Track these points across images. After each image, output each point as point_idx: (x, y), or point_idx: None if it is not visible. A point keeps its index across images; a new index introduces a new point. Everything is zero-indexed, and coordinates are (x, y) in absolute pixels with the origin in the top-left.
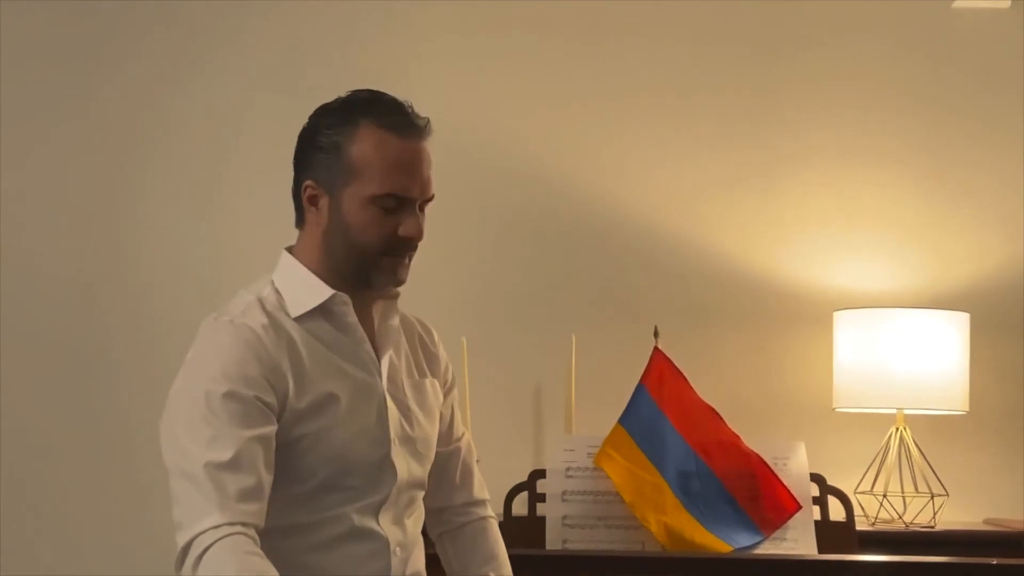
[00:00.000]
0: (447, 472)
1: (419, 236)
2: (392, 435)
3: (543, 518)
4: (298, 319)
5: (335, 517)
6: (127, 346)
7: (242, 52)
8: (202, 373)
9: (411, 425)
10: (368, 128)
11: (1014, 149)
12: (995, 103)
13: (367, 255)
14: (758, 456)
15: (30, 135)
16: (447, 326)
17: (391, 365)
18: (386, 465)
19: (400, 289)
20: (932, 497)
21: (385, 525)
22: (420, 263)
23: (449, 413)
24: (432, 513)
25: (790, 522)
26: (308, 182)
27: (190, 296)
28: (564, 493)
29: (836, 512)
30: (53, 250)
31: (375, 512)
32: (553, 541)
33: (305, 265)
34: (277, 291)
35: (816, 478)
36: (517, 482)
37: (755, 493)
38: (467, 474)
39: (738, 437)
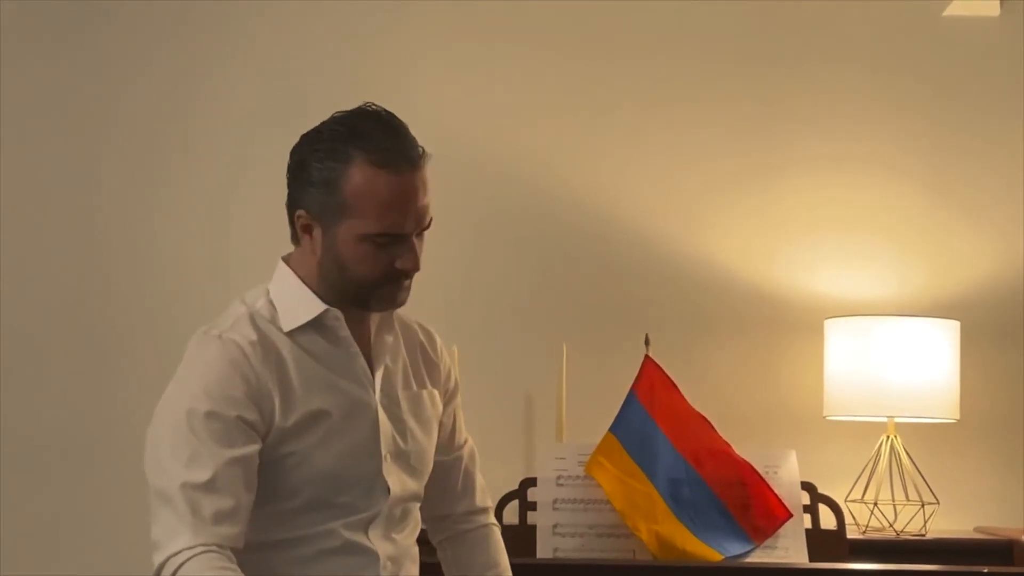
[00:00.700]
0: (449, 480)
1: (415, 268)
2: (384, 451)
3: (534, 526)
4: (290, 333)
5: (324, 532)
6: (135, 348)
7: (256, 58)
8: (186, 390)
9: (405, 439)
10: (360, 166)
11: (1005, 157)
12: (986, 111)
13: (363, 286)
14: (749, 464)
15: (41, 139)
16: (439, 334)
17: (386, 378)
18: (378, 481)
19: None
20: (923, 505)
21: (375, 540)
22: None
23: (451, 422)
24: (433, 521)
25: (781, 530)
26: (300, 212)
27: (201, 301)
28: (555, 501)
29: (827, 520)
30: (65, 253)
31: (365, 527)
32: (544, 549)
33: (300, 278)
34: (271, 303)
35: (807, 486)
36: (508, 490)
37: (746, 501)
38: (469, 482)
39: (729, 445)
